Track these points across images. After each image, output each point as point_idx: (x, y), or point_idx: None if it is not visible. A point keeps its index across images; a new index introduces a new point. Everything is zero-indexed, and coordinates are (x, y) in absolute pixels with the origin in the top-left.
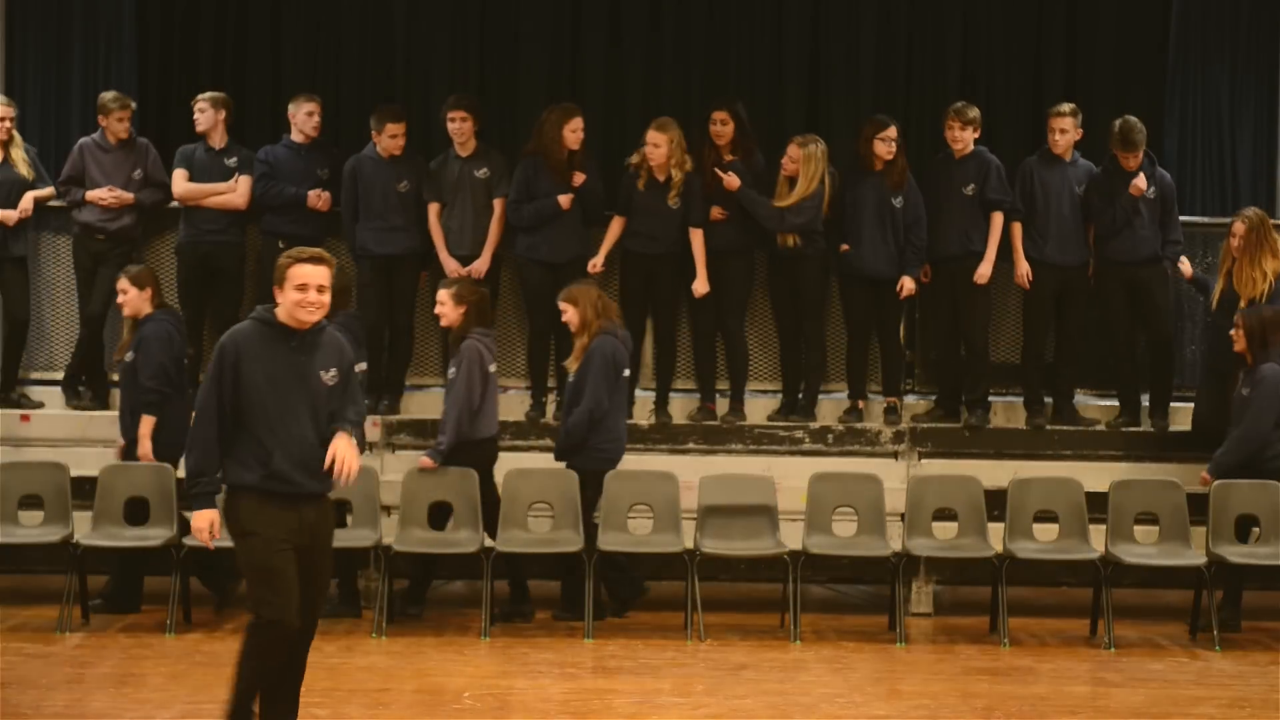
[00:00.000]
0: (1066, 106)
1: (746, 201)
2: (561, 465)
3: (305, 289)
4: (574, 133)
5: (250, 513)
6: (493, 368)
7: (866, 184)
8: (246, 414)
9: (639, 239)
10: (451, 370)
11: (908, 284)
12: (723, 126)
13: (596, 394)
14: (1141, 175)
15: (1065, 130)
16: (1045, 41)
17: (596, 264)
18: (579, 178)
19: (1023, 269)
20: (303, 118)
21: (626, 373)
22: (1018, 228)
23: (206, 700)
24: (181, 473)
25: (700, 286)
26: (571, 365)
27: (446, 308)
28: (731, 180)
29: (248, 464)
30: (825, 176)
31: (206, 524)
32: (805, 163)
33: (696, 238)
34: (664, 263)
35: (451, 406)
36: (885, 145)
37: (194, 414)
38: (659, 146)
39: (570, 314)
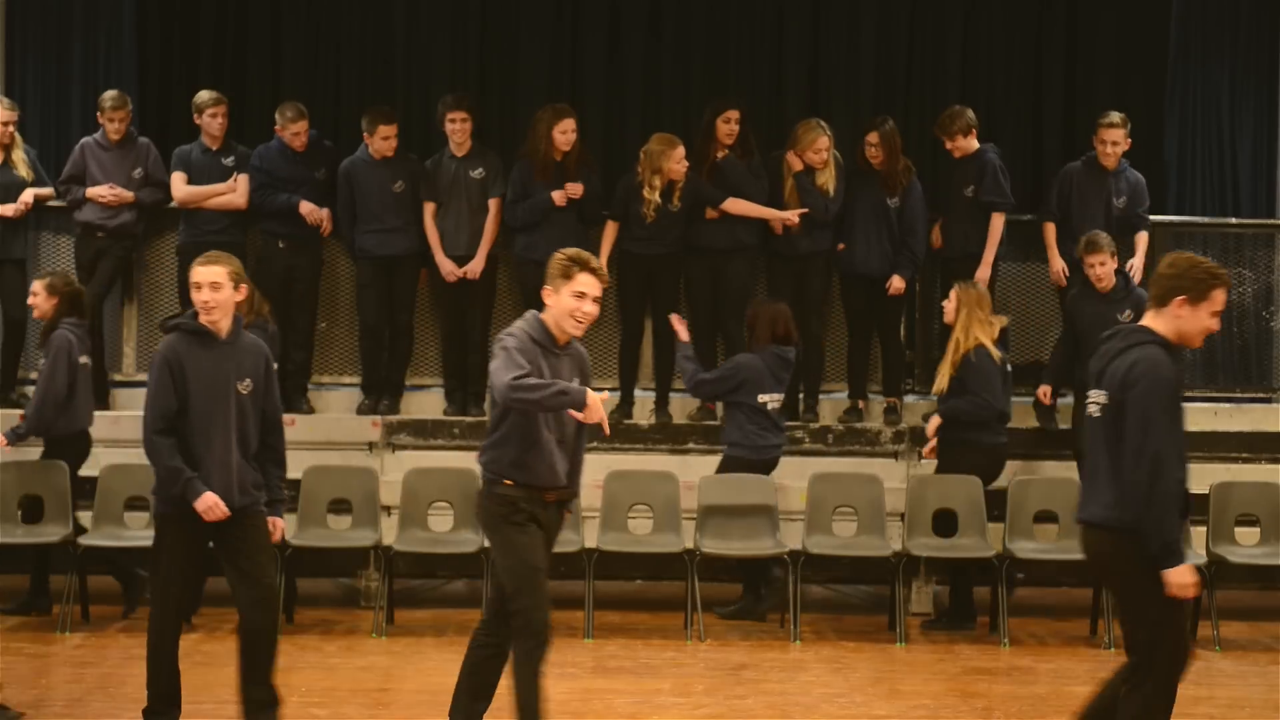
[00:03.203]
0: (1117, 116)
1: (802, 192)
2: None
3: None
4: (564, 134)
5: None
6: (84, 359)
7: (863, 184)
8: None
9: (640, 241)
10: (43, 361)
11: (895, 282)
12: (735, 125)
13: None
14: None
15: (1117, 142)
16: (1045, 41)
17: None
18: (576, 188)
19: (1057, 266)
20: (289, 138)
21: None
22: (1051, 227)
23: (207, 700)
24: None
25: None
26: None
27: (39, 299)
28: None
29: None
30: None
31: None
32: (828, 149)
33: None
34: (664, 263)
35: (36, 396)
36: (871, 149)
37: None
38: (684, 163)
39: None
